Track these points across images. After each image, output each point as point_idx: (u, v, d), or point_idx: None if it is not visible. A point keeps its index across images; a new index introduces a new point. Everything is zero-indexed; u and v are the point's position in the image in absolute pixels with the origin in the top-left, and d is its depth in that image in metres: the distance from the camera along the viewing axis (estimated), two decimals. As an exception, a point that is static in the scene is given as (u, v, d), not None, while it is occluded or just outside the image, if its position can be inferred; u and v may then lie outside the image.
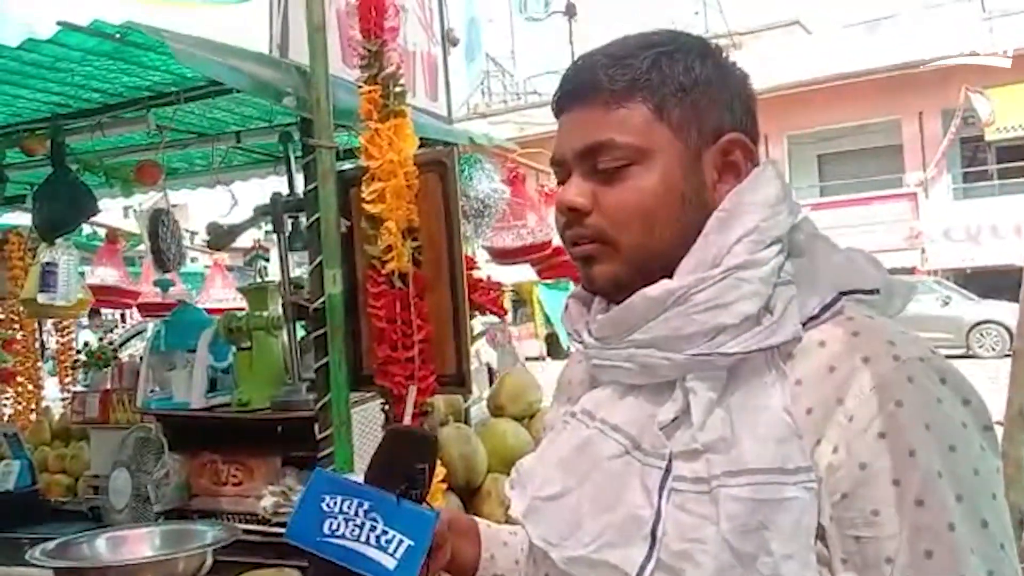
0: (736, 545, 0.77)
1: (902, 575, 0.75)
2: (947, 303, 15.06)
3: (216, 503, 2.73)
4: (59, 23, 1.97)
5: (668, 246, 0.89)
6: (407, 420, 1.77)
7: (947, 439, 0.77)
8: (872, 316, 0.86)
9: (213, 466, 2.74)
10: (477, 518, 1.16)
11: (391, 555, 0.91)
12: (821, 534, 0.78)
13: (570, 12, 15.73)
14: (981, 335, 14.66)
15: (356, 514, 0.93)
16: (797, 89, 18.27)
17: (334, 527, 0.93)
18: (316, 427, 2.46)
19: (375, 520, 0.93)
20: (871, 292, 0.89)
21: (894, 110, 18.71)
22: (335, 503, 0.94)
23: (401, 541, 0.92)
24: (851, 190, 19.37)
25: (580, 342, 0.96)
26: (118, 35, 2.08)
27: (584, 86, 0.91)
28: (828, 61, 18.54)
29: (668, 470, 0.84)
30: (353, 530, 0.93)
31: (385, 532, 0.92)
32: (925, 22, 18.30)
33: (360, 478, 0.98)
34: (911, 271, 17.35)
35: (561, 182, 0.94)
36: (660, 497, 0.83)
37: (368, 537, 0.92)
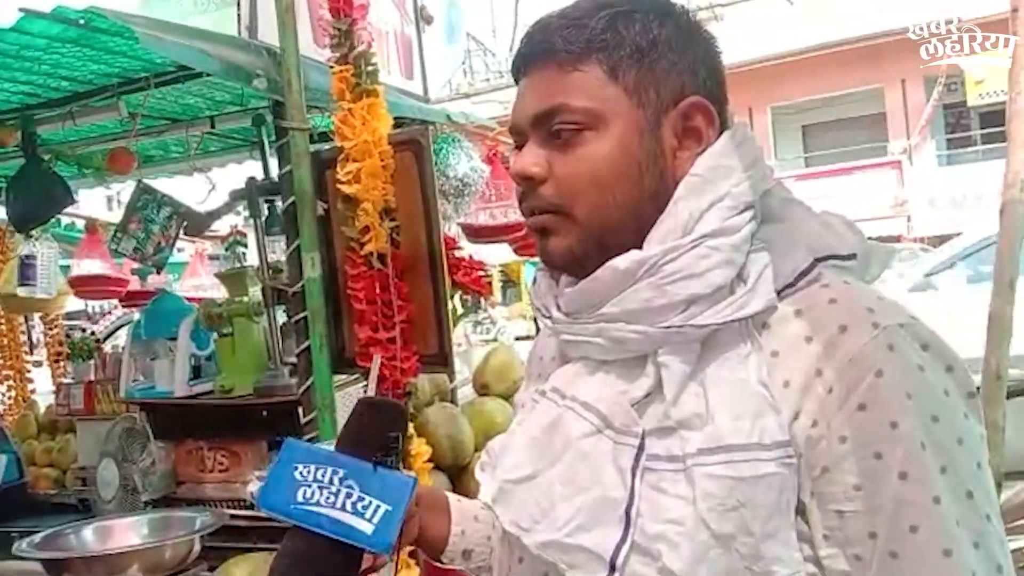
0: (714, 525, 0.75)
1: (886, 550, 0.74)
2: (933, 270, 15.10)
3: (203, 490, 2.73)
4: (21, 10, 1.93)
5: (624, 215, 0.86)
6: (371, 389, 1.76)
7: (930, 408, 0.75)
8: (849, 282, 0.83)
9: (199, 453, 2.73)
10: (448, 493, 1.14)
11: (368, 520, 0.90)
12: (801, 510, 0.76)
13: (550, -12, 15.61)
14: (967, 301, 14.71)
15: (331, 482, 0.92)
16: (780, 60, 18.20)
17: (308, 495, 0.91)
18: (300, 411, 2.45)
19: (351, 487, 0.91)
20: (848, 257, 0.86)
21: (877, 78, 18.67)
22: (308, 472, 0.93)
23: (378, 507, 0.90)
24: (836, 160, 19.34)
25: (548, 317, 0.93)
26: (82, 21, 2.04)
27: (539, 49, 0.88)
28: (810, 31, 18.46)
29: (641, 448, 0.81)
30: (328, 497, 0.91)
31: (362, 498, 0.91)
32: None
33: (331, 449, 0.97)
34: (897, 239, 17.38)
35: (519, 149, 0.91)
36: (634, 477, 0.80)
37: (344, 503, 0.91)
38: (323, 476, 0.92)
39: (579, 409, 0.87)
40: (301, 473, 0.92)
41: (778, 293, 0.82)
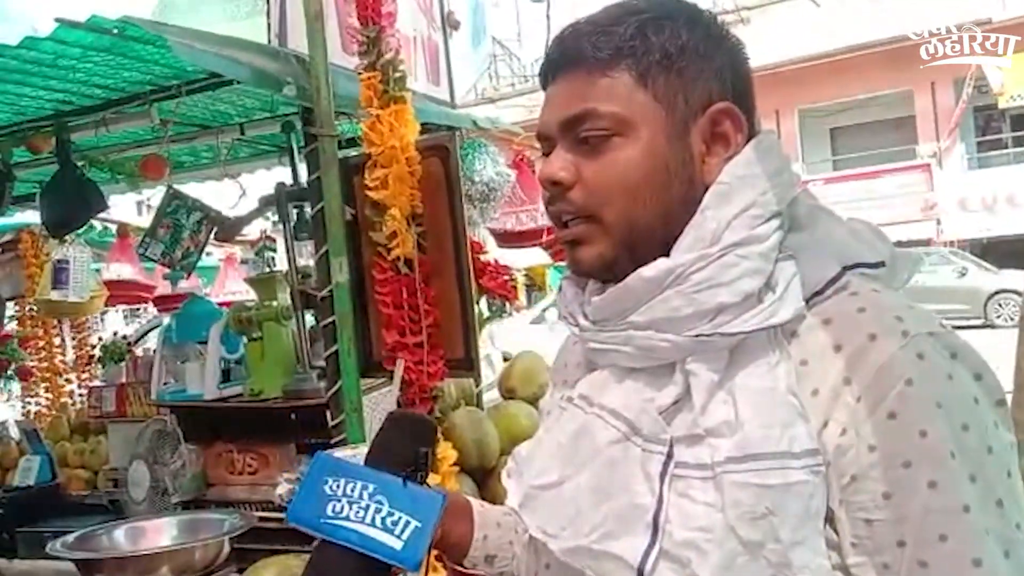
0: (742, 533, 0.75)
1: (915, 559, 0.73)
2: (964, 274, 14.90)
3: (232, 492, 2.76)
4: (57, 20, 1.97)
5: (653, 221, 0.86)
6: (395, 393, 1.76)
7: (959, 417, 0.74)
8: (878, 290, 0.83)
9: (228, 455, 2.76)
10: (470, 498, 1.14)
11: (397, 536, 0.90)
12: (830, 518, 0.76)
13: (575, -8, 15.59)
14: (999, 305, 14.47)
15: (360, 496, 0.91)
16: (807, 63, 18.05)
17: (338, 509, 0.91)
18: (328, 414, 2.48)
19: (380, 503, 0.91)
20: (876, 265, 0.85)
21: (906, 81, 18.48)
22: (338, 486, 0.93)
23: (408, 522, 0.90)
24: (864, 163, 19.15)
25: (575, 325, 0.93)
26: (116, 30, 2.08)
27: (567, 55, 0.88)
28: (837, 33, 18.30)
29: (670, 456, 0.81)
30: (358, 512, 0.91)
31: (391, 514, 0.90)
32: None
33: (361, 462, 0.98)
34: (927, 243, 17.19)
35: (546, 156, 0.91)
36: (662, 484, 0.80)
37: (373, 519, 0.90)
38: (352, 491, 0.92)
39: (607, 416, 0.87)
40: (331, 487, 0.92)
41: (806, 302, 0.82)
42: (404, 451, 0.95)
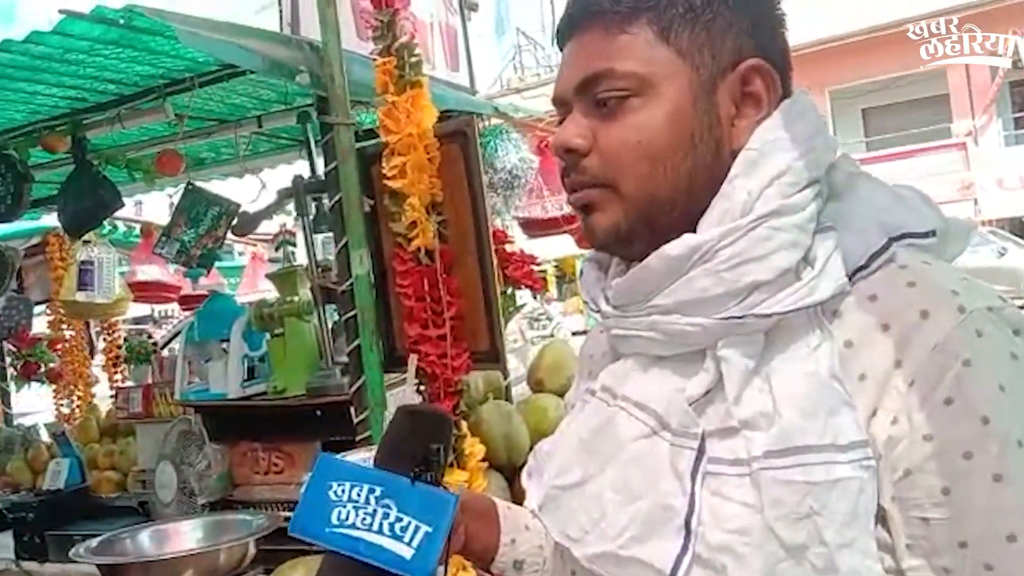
0: (784, 535, 0.68)
1: (980, 561, 0.66)
2: (1003, 254, 14.59)
3: (259, 492, 2.73)
4: (61, 11, 1.93)
5: (676, 190, 0.79)
6: (409, 392, 1.69)
7: None
8: (929, 263, 0.75)
9: (253, 455, 2.72)
10: (496, 499, 1.07)
11: (407, 544, 0.84)
12: (882, 517, 0.69)
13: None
14: (1041, 284, 14.21)
15: (367, 501, 0.85)
16: (836, 43, 17.76)
17: (343, 516, 0.85)
18: (352, 410, 2.42)
19: (388, 507, 0.85)
20: (926, 235, 0.77)
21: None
22: (343, 490, 0.87)
23: (418, 528, 0.84)
24: (898, 143, 18.83)
25: (598, 311, 0.86)
26: (122, 20, 2.03)
27: (584, 11, 0.82)
28: (867, 11, 18.00)
29: (701, 451, 0.74)
30: (364, 519, 0.85)
31: (400, 519, 0.84)
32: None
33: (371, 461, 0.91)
34: (964, 222, 16.86)
35: (562, 123, 0.84)
36: (693, 483, 0.73)
37: (381, 526, 0.84)
38: (359, 495, 0.86)
39: (632, 409, 0.80)
40: (336, 492, 0.86)
41: (849, 277, 0.74)
42: (414, 448, 0.88)
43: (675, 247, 0.76)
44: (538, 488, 0.87)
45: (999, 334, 0.69)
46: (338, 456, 0.95)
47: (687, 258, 0.75)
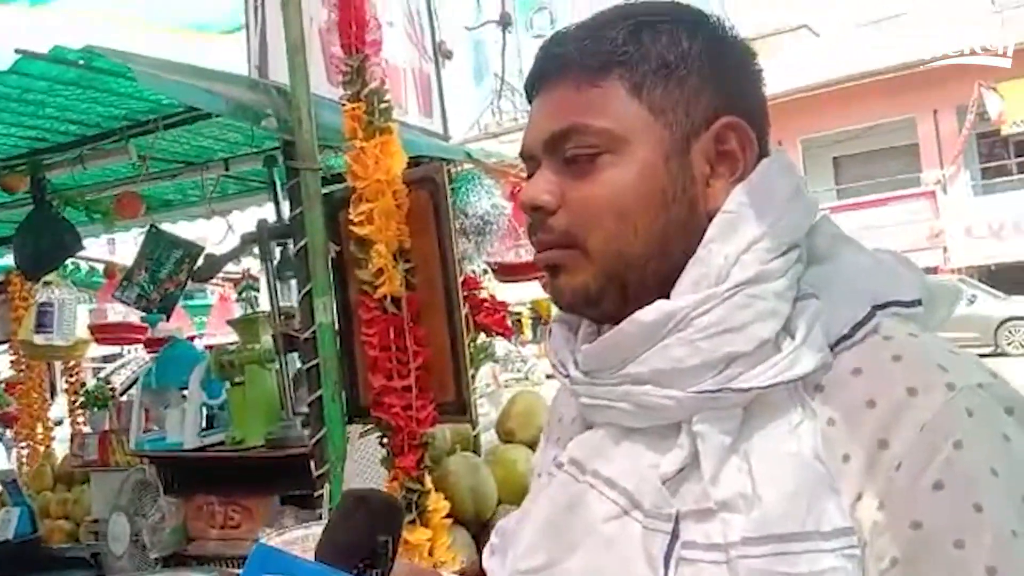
0: None
1: None
2: (972, 301, 14.73)
3: (214, 547, 2.62)
4: (17, 51, 1.86)
5: (647, 250, 0.74)
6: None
7: (1020, 487, 0.62)
8: (915, 334, 0.71)
9: (209, 508, 2.62)
10: (442, 572, 1.00)
11: None
12: None
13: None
14: (1010, 332, 14.36)
15: None
16: (809, 92, 18.08)
17: None
18: (313, 464, 2.33)
19: None
20: (911, 304, 0.73)
21: (908, 108, 18.49)
22: None
23: None
24: (869, 191, 19.11)
25: (566, 375, 0.81)
26: (81, 61, 1.97)
27: (554, 64, 0.78)
28: (838, 63, 18.37)
29: (675, 534, 0.69)
30: None
31: None
32: (933, 18, 18.13)
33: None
34: (934, 270, 17.05)
35: (530, 177, 0.80)
36: (667, 569, 0.68)
37: None
38: None
39: (602, 487, 0.75)
40: None
41: (832, 348, 0.69)
42: (360, 539, 0.81)
43: (649, 313, 0.71)
44: (501, 570, 0.82)
45: (990, 413, 0.64)
46: (275, 546, 0.87)
47: (662, 325, 0.71)
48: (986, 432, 0.63)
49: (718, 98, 0.76)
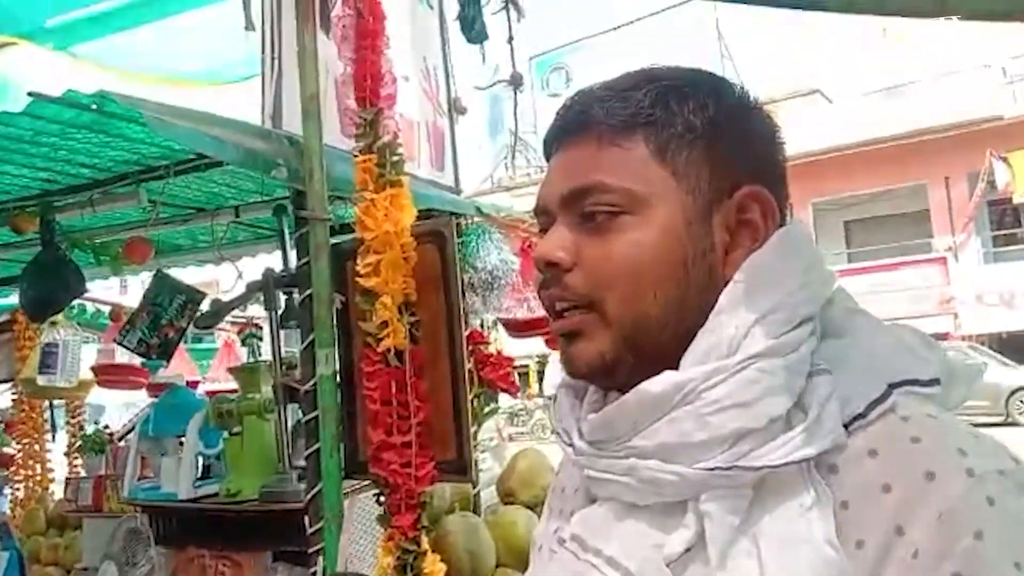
0: None
1: None
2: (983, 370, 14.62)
3: (204, 603, 2.54)
4: (30, 94, 1.87)
5: (664, 318, 0.72)
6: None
7: None
8: (934, 415, 0.68)
9: (200, 561, 2.55)
10: None
11: None
12: None
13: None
14: (1021, 402, 14.19)
15: None
16: (821, 156, 18.19)
17: None
18: (307, 520, 2.27)
19: None
20: (930, 383, 0.70)
21: (919, 175, 18.57)
22: None
23: None
24: (879, 256, 19.10)
25: (570, 444, 0.78)
26: (94, 105, 1.98)
27: (577, 121, 0.76)
28: (850, 128, 18.49)
29: None
30: None
31: None
32: (945, 87, 18.27)
33: None
34: (944, 337, 16.93)
35: (543, 233, 0.78)
36: None
37: None
38: None
39: (603, 566, 0.72)
40: None
41: (846, 427, 0.67)
42: None
43: (656, 384, 0.69)
44: None
45: (1013, 502, 0.61)
46: None
47: (669, 397, 0.69)
48: (1008, 523, 0.60)
49: (743, 166, 0.74)
